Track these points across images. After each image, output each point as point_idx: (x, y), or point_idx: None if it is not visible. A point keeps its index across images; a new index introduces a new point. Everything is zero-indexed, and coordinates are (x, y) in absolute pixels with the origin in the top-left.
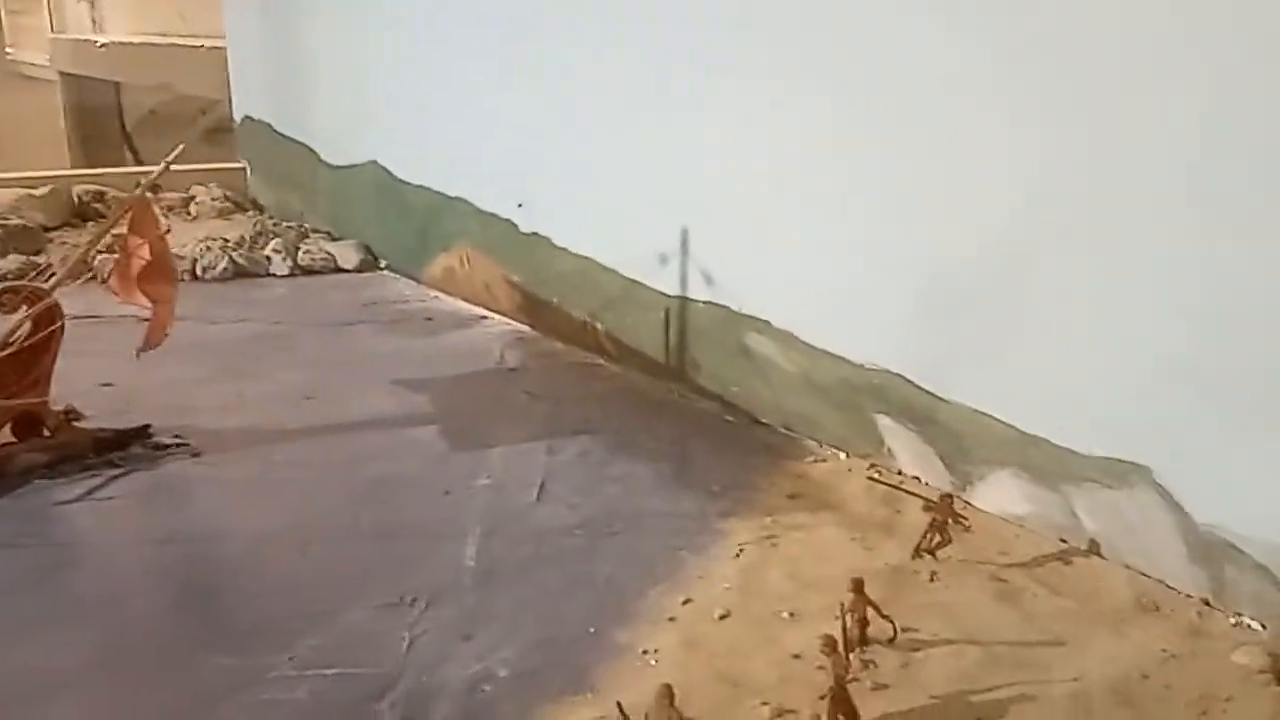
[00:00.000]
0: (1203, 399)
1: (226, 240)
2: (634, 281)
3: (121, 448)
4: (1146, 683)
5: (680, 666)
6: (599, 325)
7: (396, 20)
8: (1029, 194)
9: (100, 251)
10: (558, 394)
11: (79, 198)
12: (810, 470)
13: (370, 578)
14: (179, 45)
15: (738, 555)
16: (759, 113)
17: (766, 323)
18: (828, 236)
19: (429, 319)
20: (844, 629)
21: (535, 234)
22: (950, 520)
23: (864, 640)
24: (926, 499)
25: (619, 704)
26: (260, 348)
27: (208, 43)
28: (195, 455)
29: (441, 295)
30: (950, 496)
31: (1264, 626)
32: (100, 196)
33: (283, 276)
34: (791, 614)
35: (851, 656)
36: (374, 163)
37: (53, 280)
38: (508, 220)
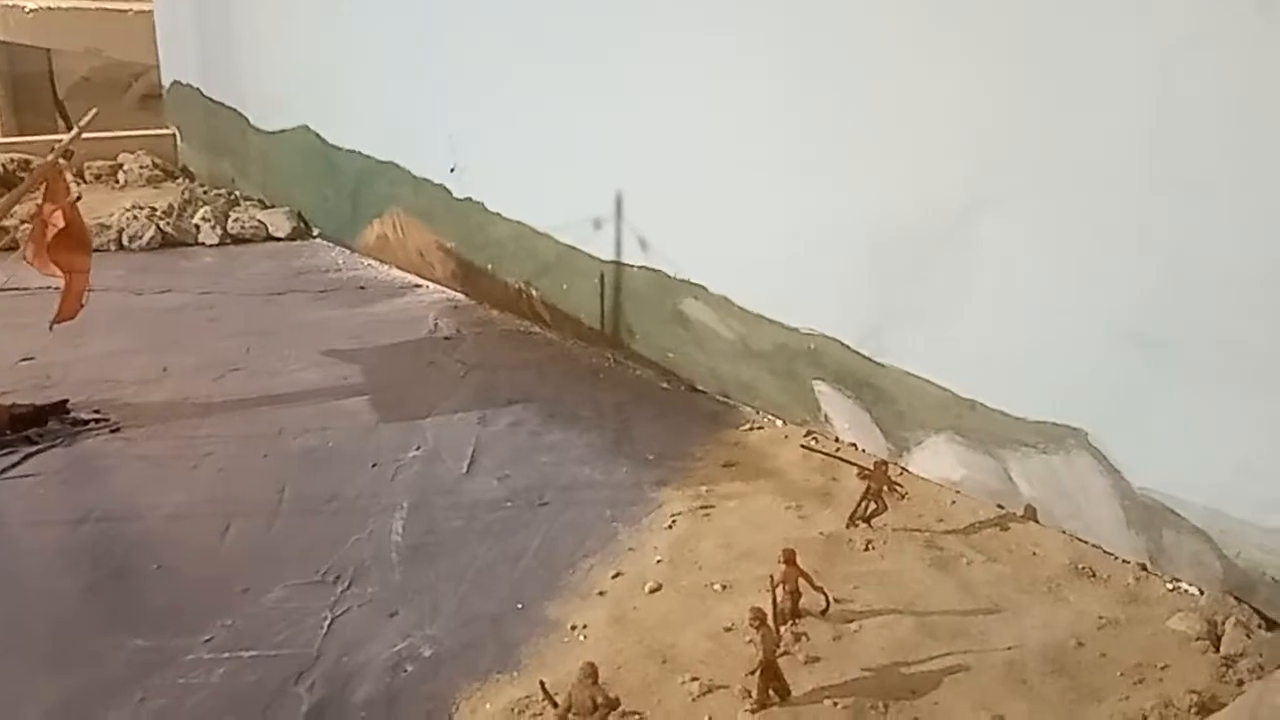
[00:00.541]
0: (1141, 364)
1: (154, 209)
2: (569, 247)
3: (39, 424)
4: (1083, 650)
5: (609, 642)
6: (534, 292)
7: None
8: (968, 160)
9: (21, 221)
10: (491, 362)
11: (3, 166)
12: (747, 438)
13: (292, 555)
14: (107, 10)
15: (670, 526)
16: (696, 76)
17: (703, 288)
18: (765, 201)
19: (362, 288)
20: (775, 601)
21: (469, 199)
22: (886, 488)
23: (796, 612)
24: (862, 466)
25: (542, 683)
26: (186, 319)
27: (136, 6)
28: (115, 430)
29: (375, 263)
30: (885, 463)
31: (1201, 592)
32: (27, 165)
33: (212, 245)
34: (724, 586)
35: (783, 629)
36: (305, 127)
37: None
38: (441, 185)
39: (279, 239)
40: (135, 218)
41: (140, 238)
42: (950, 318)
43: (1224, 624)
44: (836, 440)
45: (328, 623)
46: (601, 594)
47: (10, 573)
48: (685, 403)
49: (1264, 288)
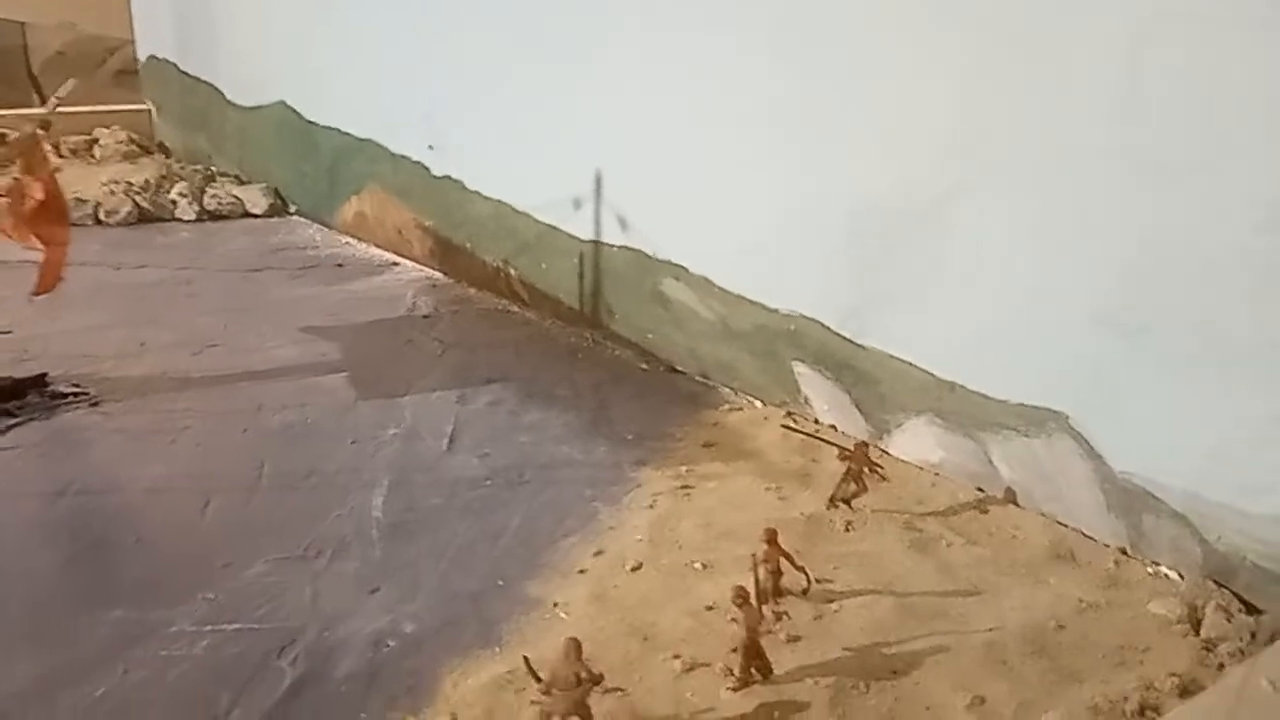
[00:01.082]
0: (1122, 347)
1: (131, 184)
2: (548, 226)
3: (17, 397)
4: (1063, 632)
5: (591, 620)
6: (512, 271)
7: None
8: (948, 141)
9: None
10: (470, 341)
11: None
12: (726, 419)
13: (273, 530)
14: None
15: (651, 505)
16: (675, 54)
17: (683, 268)
18: (745, 182)
19: (339, 265)
20: (756, 581)
21: (448, 177)
22: (866, 469)
23: (778, 592)
24: (842, 448)
25: (526, 659)
26: (163, 294)
27: None
28: (94, 404)
29: (352, 241)
30: (866, 444)
31: (1181, 576)
32: (2, 139)
33: (188, 221)
34: (705, 565)
35: (764, 608)
36: (282, 103)
37: None
38: (419, 163)
39: (256, 215)
40: (112, 193)
41: (117, 212)
42: (930, 301)
43: (1204, 608)
44: (816, 422)
45: (309, 597)
46: (582, 572)
47: None
48: (664, 383)
49: (1241, 273)
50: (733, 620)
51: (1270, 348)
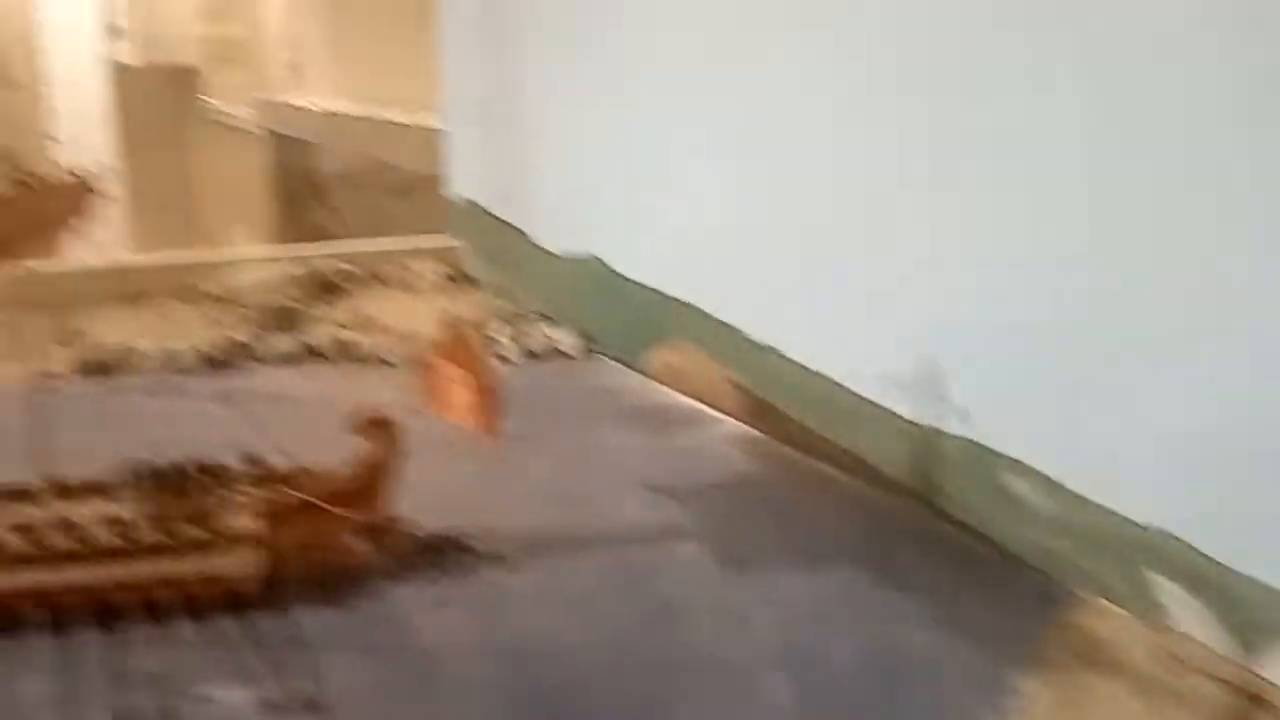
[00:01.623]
0: None
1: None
2: (876, 405)
3: (437, 552)
4: None
5: None
6: (835, 440)
7: (626, 104)
8: None
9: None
10: (801, 511)
11: (326, 273)
12: (1085, 621)
13: (664, 712)
14: (390, 123)
15: (1028, 715)
16: (1010, 227)
17: (1026, 466)
18: (1097, 379)
19: (657, 414)
20: None
21: (767, 345)
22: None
23: None
24: (1220, 675)
25: None
26: (506, 438)
27: (417, 120)
28: (498, 561)
29: (664, 388)
30: (1251, 671)
31: None
32: (348, 275)
33: (510, 361)
34: None
35: None
36: (592, 254)
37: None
38: (735, 327)
39: (567, 355)
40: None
41: None
42: None
43: None
44: (1184, 635)
45: None
46: None
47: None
48: (1010, 574)
49: None
50: None
51: None
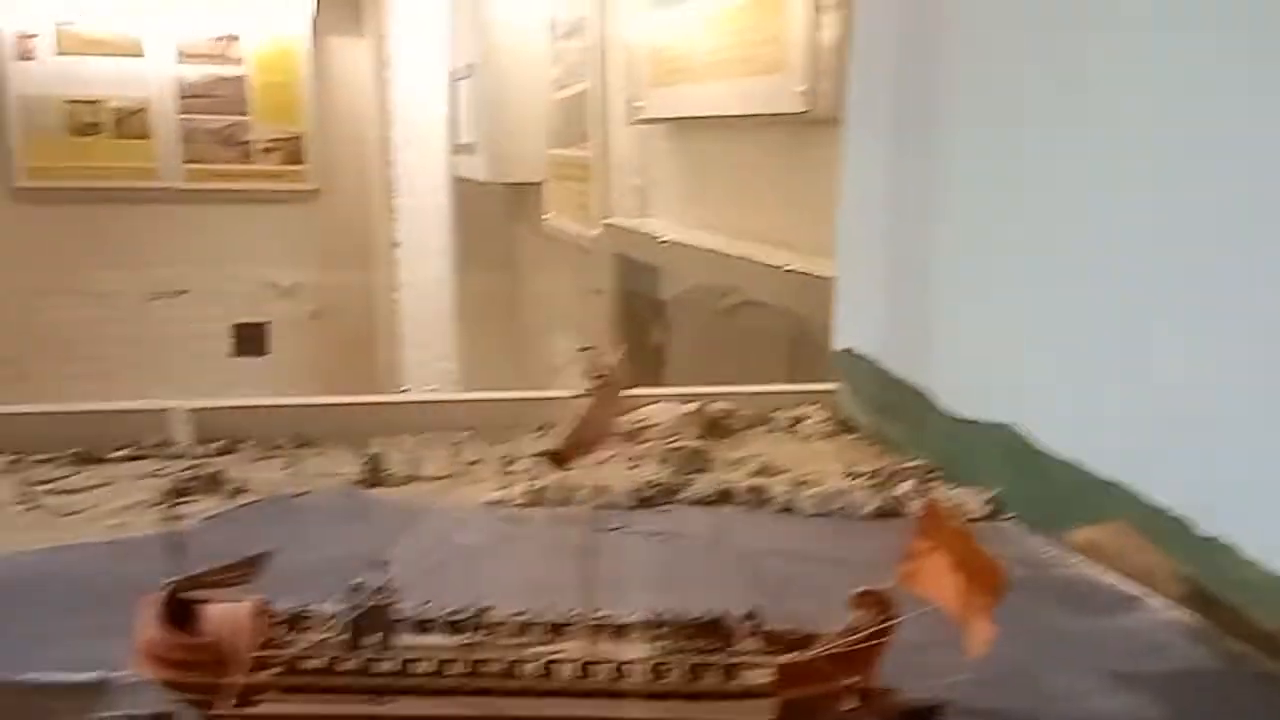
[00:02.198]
0: None
1: (870, 474)
2: None
3: (920, 718)
4: None
5: None
6: None
7: (1058, 267)
8: None
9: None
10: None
11: (710, 415)
12: None
13: None
14: (756, 262)
15: None
16: None
17: None
18: None
19: (1090, 592)
20: None
21: (1215, 540)
22: None
23: None
24: None
25: None
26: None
27: (790, 264)
28: None
29: (1085, 562)
30: None
31: None
32: (730, 412)
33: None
34: None
35: None
36: (1005, 423)
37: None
38: (1178, 518)
39: (974, 519)
40: (853, 480)
41: (862, 506)
42: None
43: None
44: None
45: None
46: None
47: None
48: None
49: None
50: None
51: None
